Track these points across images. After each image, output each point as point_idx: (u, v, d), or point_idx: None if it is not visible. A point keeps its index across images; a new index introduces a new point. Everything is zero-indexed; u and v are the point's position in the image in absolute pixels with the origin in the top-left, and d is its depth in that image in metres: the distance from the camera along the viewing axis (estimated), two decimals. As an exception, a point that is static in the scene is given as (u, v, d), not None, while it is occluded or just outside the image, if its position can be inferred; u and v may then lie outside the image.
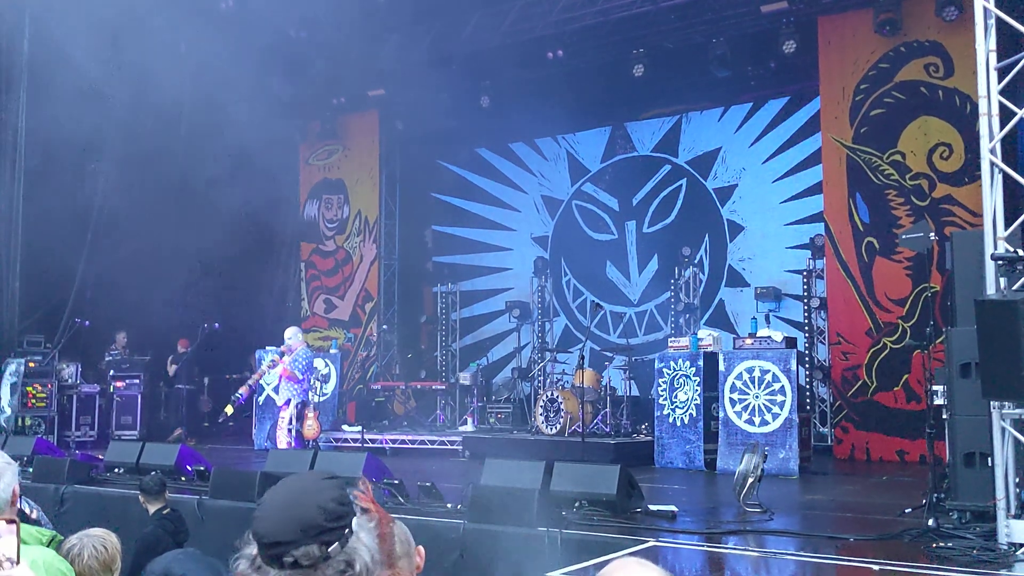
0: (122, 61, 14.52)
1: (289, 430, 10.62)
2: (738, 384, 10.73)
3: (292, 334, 10.96)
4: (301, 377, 10.68)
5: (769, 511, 7.47)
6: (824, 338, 13.03)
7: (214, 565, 2.62)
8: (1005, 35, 6.46)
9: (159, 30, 13.67)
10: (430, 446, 13.00)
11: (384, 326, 16.25)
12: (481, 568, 6.62)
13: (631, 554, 6.04)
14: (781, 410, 10.44)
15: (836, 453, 12.04)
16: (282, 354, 10.93)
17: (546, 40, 13.94)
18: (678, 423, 11.28)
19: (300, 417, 10.83)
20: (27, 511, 3.11)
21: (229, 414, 11.70)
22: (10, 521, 2.12)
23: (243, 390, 10.98)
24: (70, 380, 14.14)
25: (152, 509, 6.88)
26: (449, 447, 12.83)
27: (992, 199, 6.21)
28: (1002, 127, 6.33)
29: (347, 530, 1.47)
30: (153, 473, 8.30)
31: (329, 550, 1.44)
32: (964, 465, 6.58)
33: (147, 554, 5.16)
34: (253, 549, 1.47)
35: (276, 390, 11.53)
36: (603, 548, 6.23)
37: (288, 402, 10.75)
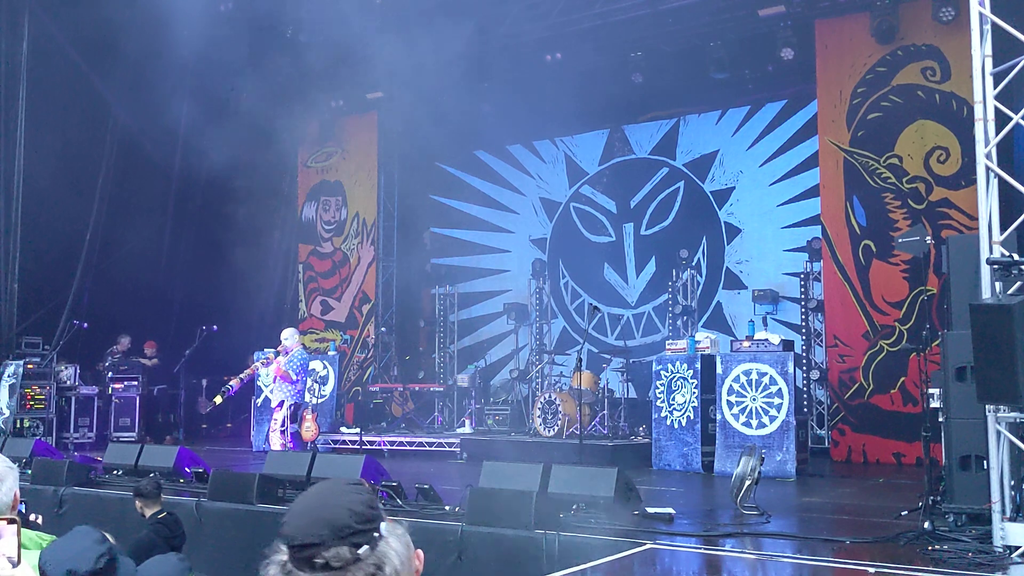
0: (121, 63, 14.55)
1: (283, 431, 10.58)
2: (735, 387, 10.76)
3: (288, 335, 10.96)
4: (295, 378, 10.65)
5: (766, 513, 7.50)
6: (821, 341, 13.06)
7: (87, 535, 2.65)
8: (1001, 40, 6.50)
9: (158, 32, 13.67)
10: (428, 448, 13.02)
11: (383, 328, 16.26)
12: (479, 570, 6.64)
13: (628, 556, 6.08)
14: (778, 413, 10.47)
15: (833, 455, 12.07)
16: (277, 354, 10.93)
17: (544, 43, 13.97)
18: (676, 425, 11.30)
19: (296, 419, 10.82)
20: (31, 517, 3.14)
21: (217, 403, 11.72)
22: (11, 521, 2.14)
23: (234, 382, 10.94)
24: (68, 382, 14.14)
25: (148, 513, 6.85)
26: (447, 449, 12.85)
27: (988, 203, 6.25)
28: (998, 132, 6.37)
29: (376, 533, 1.49)
30: (152, 475, 8.33)
31: (359, 552, 1.46)
32: (960, 468, 6.61)
33: (140, 560, 5.16)
34: (283, 555, 1.49)
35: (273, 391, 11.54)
36: (601, 551, 6.25)
37: (281, 403, 10.71)
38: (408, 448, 13.13)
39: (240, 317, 16.45)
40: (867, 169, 12.09)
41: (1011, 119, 6.36)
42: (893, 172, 11.92)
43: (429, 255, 17.53)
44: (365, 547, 1.47)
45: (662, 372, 11.53)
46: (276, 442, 10.56)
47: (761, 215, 14.38)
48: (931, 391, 7.29)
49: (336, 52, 14.12)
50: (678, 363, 11.42)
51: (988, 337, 5.74)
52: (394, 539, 1.52)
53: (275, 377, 10.86)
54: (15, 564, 2.07)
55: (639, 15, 13.05)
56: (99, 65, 14.78)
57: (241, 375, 11.08)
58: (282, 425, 10.58)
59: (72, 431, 14.01)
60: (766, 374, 10.59)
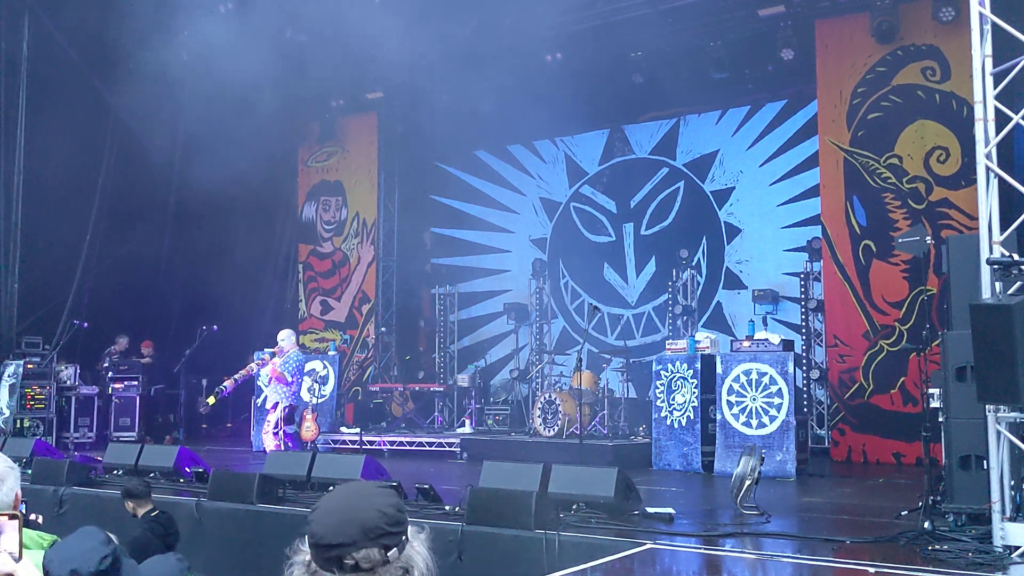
0: (121, 63, 14.54)
1: (275, 432, 10.52)
2: (735, 386, 10.76)
3: (285, 336, 10.91)
4: (291, 380, 10.58)
5: (766, 513, 7.50)
6: (821, 341, 13.06)
7: (92, 535, 2.69)
8: (1001, 40, 6.49)
9: (158, 32, 13.68)
10: (428, 448, 13.02)
11: (383, 328, 16.27)
12: (479, 570, 6.64)
13: (628, 556, 6.08)
14: (778, 412, 10.46)
15: (833, 455, 12.06)
16: (273, 355, 10.91)
17: (545, 43, 13.97)
18: (676, 425, 11.30)
19: (291, 420, 10.78)
20: (32, 517, 3.15)
21: (211, 404, 11.71)
22: (12, 516, 2.14)
23: (228, 383, 10.91)
24: (68, 382, 14.14)
25: (140, 512, 6.85)
26: (447, 449, 12.85)
27: (988, 203, 6.25)
28: (998, 132, 6.36)
29: (404, 537, 1.49)
30: (140, 477, 8.32)
31: (388, 554, 1.45)
32: (960, 468, 6.61)
33: (137, 559, 5.14)
34: (306, 555, 1.48)
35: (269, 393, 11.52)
36: (601, 551, 6.25)
37: (276, 405, 10.65)
38: (408, 448, 13.13)
39: (240, 317, 16.45)
40: (867, 169, 12.09)
41: (1011, 119, 6.36)
42: (893, 172, 11.92)
43: (429, 255, 17.54)
44: (394, 549, 1.47)
45: (662, 372, 11.53)
46: (269, 443, 10.52)
47: (761, 215, 14.38)
48: (931, 391, 7.29)
49: (336, 52, 14.12)
50: (678, 363, 11.42)
51: (988, 337, 5.74)
52: (419, 543, 1.52)
53: (270, 379, 10.82)
54: (17, 559, 2.07)
55: (639, 15, 13.06)
56: (99, 65, 14.77)
57: (235, 376, 11.06)
58: (275, 427, 10.53)
59: (72, 431, 14.01)
60: (766, 374, 10.60)
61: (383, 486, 1.59)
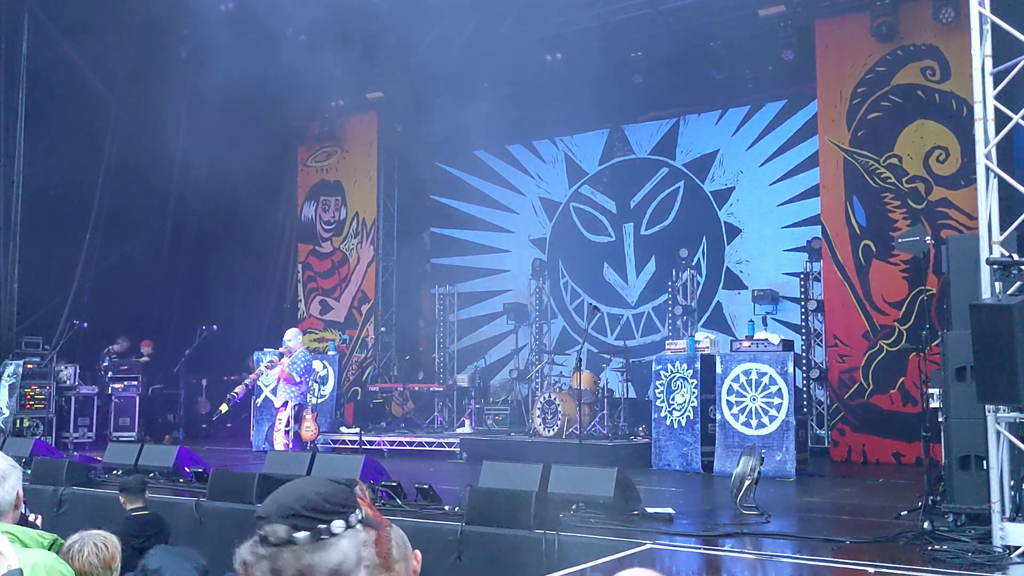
0: (121, 62, 14.55)
1: (286, 432, 10.61)
2: (735, 386, 10.76)
3: (292, 336, 10.96)
4: (299, 379, 10.66)
5: (766, 513, 7.50)
6: (821, 341, 13.06)
7: (191, 557, 2.81)
8: (1001, 40, 6.50)
9: (159, 31, 13.69)
10: (428, 448, 13.02)
11: (382, 328, 16.27)
12: (478, 570, 6.63)
13: (628, 556, 6.08)
14: (778, 412, 10.46)
15: (833, 455, 12.07)
16: (281, 356, 10.94)
17: (544, 42, 13.98)
18: (675, 425, 11.30)
19: (298, 419, 10.84)
20: (31, 517, 3.16)
21: (223, 412, 11.71)
22: None
23: (239, 389, 10.94)
24: (68, 382, 14.13)
25: (127, 508, 6.84)
26: (447, 449, 12.85)
27: (987, 203, 6.25)
28: (998, 132, 6.36)
29: (323, 525, 1.50)
30: (139, 474, 8.32)
31: (295, 535, 1.48)
32: (959, 468, 6.61)
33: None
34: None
35: (274, 392, 11.55)
36: (600, 550, 6.24)
37: (285, 404, 10.74)
38: (408, 448, 13.13)
39: (240, 317, 16.46)
40: (867, 169, 12.09)
41: (1011, 119, 6.36)
42: (893, 172, 11.93)
43: (429, 255, 17.54)
44: (304, 533, 1.48)
45: (662, 372, 11.53)
46: (279, 442, 10.60)
47: (761, 215, 14.38)
48: (931, 391, 7.29)
49: (336, 52, 14.12)
50: (678, 363, 11.42)
51: (988, 337, 5.74)
52: (348, 543, 1.51)
53: (279, 379, 10.87)
54: None
55: (639, 15, 13.07)
56: (99, 65, 14.77)
57: (246, 381, 11.09)
58: (286, 425, 10.62)
59: (72, 431, 14.00)
60: (766, 374, 10.59)
61: (340, 481, 1.60)
